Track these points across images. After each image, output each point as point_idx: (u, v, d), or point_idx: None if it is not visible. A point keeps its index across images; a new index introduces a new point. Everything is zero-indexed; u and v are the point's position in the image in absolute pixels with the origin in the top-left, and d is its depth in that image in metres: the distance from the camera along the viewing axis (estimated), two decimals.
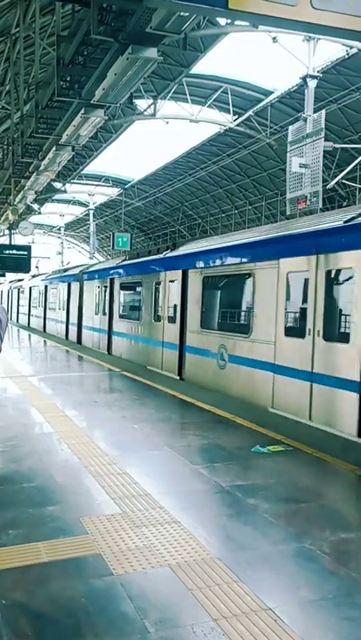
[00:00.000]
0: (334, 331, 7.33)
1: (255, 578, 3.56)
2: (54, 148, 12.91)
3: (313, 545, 4.02)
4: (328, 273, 7.47)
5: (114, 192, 39.10)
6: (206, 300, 10.95)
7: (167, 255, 13.19)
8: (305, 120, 15.24)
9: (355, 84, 20.15)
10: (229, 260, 10.12)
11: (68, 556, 3.81)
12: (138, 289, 14.77)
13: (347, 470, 5.74)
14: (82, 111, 10.08)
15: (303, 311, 7.89)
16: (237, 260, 9.86)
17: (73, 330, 21.35)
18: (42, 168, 14.71)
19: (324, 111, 15.24)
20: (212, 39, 17.97)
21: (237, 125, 24.66)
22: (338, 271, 7.40)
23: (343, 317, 7.30)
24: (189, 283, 11.48)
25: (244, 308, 9.82)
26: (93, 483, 5.21)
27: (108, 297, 17.07)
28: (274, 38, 16.95)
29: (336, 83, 20.23)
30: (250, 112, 23.64)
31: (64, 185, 34.57)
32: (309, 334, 7.63)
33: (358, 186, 20.79)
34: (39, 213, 40.31)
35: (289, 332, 8.15)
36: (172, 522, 4.36)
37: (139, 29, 6.76)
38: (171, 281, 12.46)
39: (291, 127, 15.93)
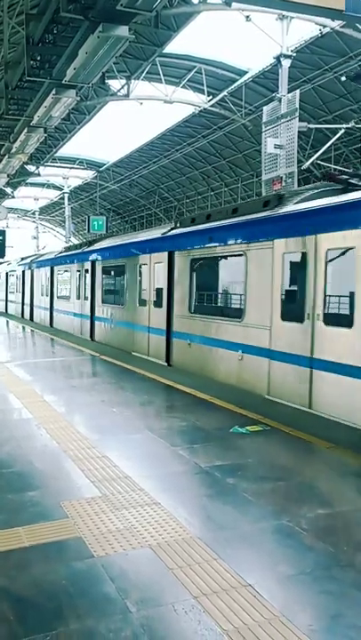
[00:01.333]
0: (160, 301, 11.50)
1: (235, 555, 3.62)
2: (26, 130, 12.70)
3: (291, 522, 4.10)
4: (154, 265, 11.90)
5: (88, 175, 38.55)
6: (104, 282, 15.51)
7: (84, 250, 17.31)
8: (279, 100, 15.12)
9: (328, 63, 20.07)
10: (114, 255, 14.62)
11: (48, 539, 3.82)
12: (67, 275, 19.17)
13: (323, 448, 5.85)
14: (53, 91, 9.93)
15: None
16: (117, 255, 14.31)
17: (27, 309, 25.99)
18: (14, 150, 14.48)
19: (298, 91, 15.13)
20: (185, 18, 17.68)
21: (212, 106, 24.40)
22: (156, 264, 11.77)
23: (161, 292, 11.52)
24: (96, 270, 15.84)
25: (125, 287, 13.76)
26: (73, 467, 5.21)
27: (49, 281, 21.36)
28: (247, 17, 16.74)
29: (310, 62, 20.12)
30: (224, 92, 23.41)
31: (37, 168, 33.94)
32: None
33: (333, 166, 20.79)
34: (13, 197, 39.57)
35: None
36: (152, 503, 4.39)
37: (109, 7, 6.66)
38: (85, 269, 16.73)
39: (265, 107, 15.80)
